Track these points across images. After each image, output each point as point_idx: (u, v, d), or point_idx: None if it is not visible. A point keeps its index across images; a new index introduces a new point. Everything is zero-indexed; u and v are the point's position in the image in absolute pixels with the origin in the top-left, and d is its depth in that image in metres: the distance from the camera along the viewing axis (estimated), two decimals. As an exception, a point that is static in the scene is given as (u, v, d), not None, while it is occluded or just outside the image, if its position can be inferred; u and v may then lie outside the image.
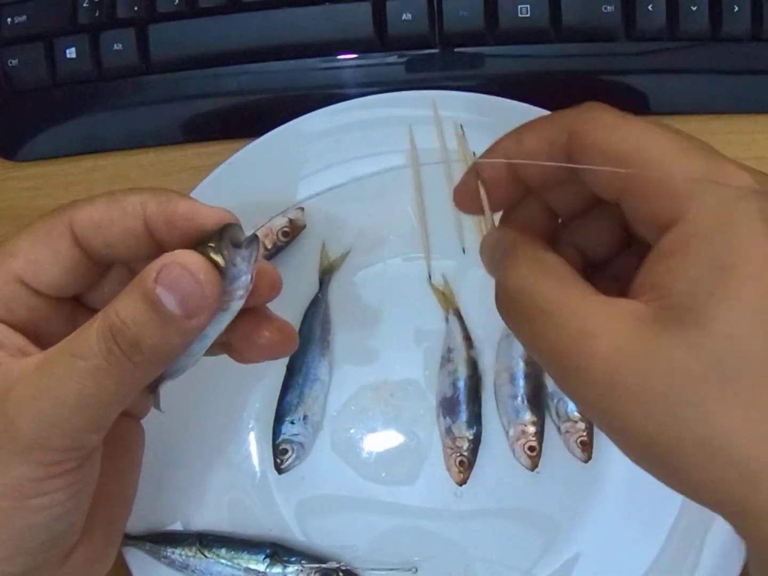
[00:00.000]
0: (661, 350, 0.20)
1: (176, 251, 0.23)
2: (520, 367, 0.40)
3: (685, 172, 0.21)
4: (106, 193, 0.25)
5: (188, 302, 0.22)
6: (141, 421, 0.30)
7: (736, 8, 0.40)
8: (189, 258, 0.22)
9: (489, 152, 0.25)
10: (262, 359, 0.27)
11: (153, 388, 0.26)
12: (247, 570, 0.38)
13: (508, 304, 0.24)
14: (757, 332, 0.19)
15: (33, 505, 0.23)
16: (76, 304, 0.27)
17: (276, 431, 0.40)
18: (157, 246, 0.25)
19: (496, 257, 0.25)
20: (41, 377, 0.22)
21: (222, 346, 0.27)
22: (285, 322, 0.26)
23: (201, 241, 0.24)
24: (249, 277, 0.24)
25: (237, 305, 0.24)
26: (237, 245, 0.23)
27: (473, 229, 0.40)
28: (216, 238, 0.23)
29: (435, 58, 0.42)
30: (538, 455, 0.39)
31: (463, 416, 0.39)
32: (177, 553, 0.38)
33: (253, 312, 0.26)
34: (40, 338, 0.25)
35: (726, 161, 0.21)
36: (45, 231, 0.25)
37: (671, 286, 0.20)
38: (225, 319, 0.24)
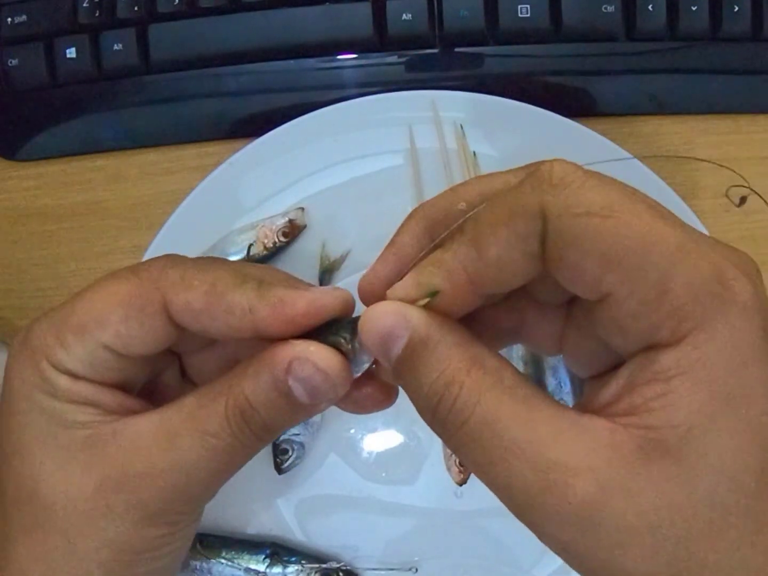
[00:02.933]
0: (648, 487, 0.18)
1: (309, 345, 0.22)
2: (520, 367, 0.40)
3: (691, 280, 0.18)
4: (202, 272, 0.24)
5: (319, 396, 0.22)
6: None
7: (736, 8, 0.40)
8: (320, 355, 0.22)
9: (435, 265, 0.21)
10: (364, 412, 0.26)
11: None
12: (248, 570, 0.38)
13: (462, 438, 0.20)
14: (754, 470, 0.18)
15: (155, 556, 0.24)
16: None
17: (276, 431, 0.40)
18: (260, 335, 0.24)
19: (415, 354, 0.21)
20: (168, 450, 0.23)
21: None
22: (384, 384, 0.25)
23: (326, 326, 0.23)
24: (369, 364, 0.23)
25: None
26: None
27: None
28: (347, 329, 0.23)
29: (435, 58, 0.42)
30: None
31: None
32: (177, 553, 0.38)
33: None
34: (132, 389, 0.26)
35: (725, 262, 0.19)
36: (137, 307, 0.23)
37: (662, 416, 0.18)
38: None
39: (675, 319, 0.18)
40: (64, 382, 0.23)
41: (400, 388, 0.23)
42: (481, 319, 0.24)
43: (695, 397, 0.18)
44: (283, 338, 0.23)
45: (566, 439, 0.19)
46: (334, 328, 0.23)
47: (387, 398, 0.25)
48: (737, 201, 0.28)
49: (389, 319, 0.21)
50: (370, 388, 0.25)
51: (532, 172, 0.20)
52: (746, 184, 0.24)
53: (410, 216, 0.23)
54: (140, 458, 0.23)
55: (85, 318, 0.23)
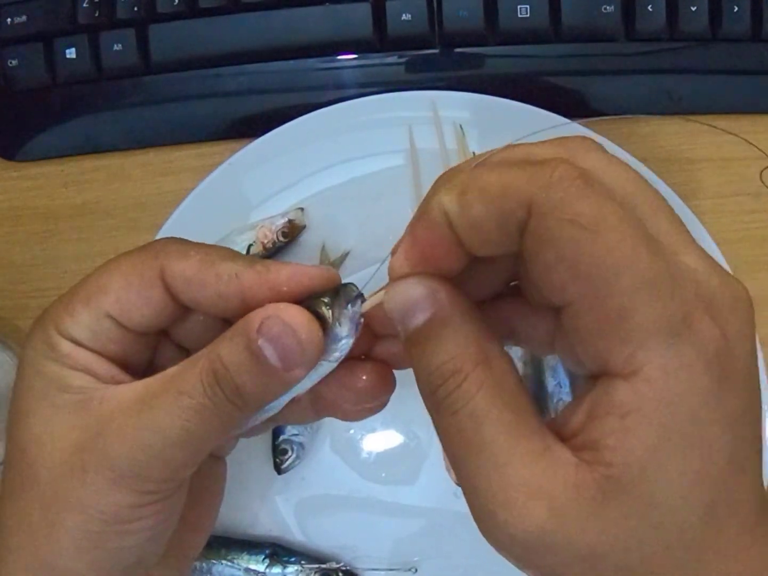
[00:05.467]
0: (600, 522, 0.19)
1: (281, 304, 0.23)
2: (520, 367, 0.40)
3: (653, 314, 0.18)
4: (199, 247, 0.25)
5: (288, 357, 0.22)
6: None
7: (736, 8, 0.40)
8: (291, 314, 0.22)
9: (425, 206, 0.21)
10: (363, 406, 0.26)
11: None
12: (247, 570, 0.38)
13: (449, 424, 0.21)
14: (699, 509, 0.19)
15: (126, 530, 0.24)
16: (160, 335, 0.27)
17: (276, 431, 0.40)
18: (249, 309, 0.24)
19: (428, 340, 0.21)
20: (144, 409, 0.23)
21: (322, 406, 0.27)
22: (380, 364, 0.26)
23: (313, 296, 0.23)
24: (350, 341, 0.23)
25: (327, 367, 0.24)
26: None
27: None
28: (332, 294, 0.23)
29: (435, 58, 0.42)
30: (538, 455, 0.39)
31: (463, 416, 0.39)
32: (177, 553, 0.38)
33: (348, 360, 0.25)
34: (128, 368, 0.26)
35: (696, 305, 0.19)
36: (137, 274, 0.25)
37: (618, 454, 0.19)
38: (310, 380, 0.24)
39: (629, 348, 0.19)
40: (66, 347, 0.24)
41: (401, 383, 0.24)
42: (501, 319, 0.24)
43: (648, 437, 0.19)
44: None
45: (536, 462, 0.20)
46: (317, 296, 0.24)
47: (385, 382, 0.25)
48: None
49: (419, 290, 0.21)
50: (364, 374, 0.25)
51: (541, 162, 0.20)
52: None
53: (436, 182, 0.23)
54: (118, 418, 0.23)
55: (92, 288, 0.25)
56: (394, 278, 0.22)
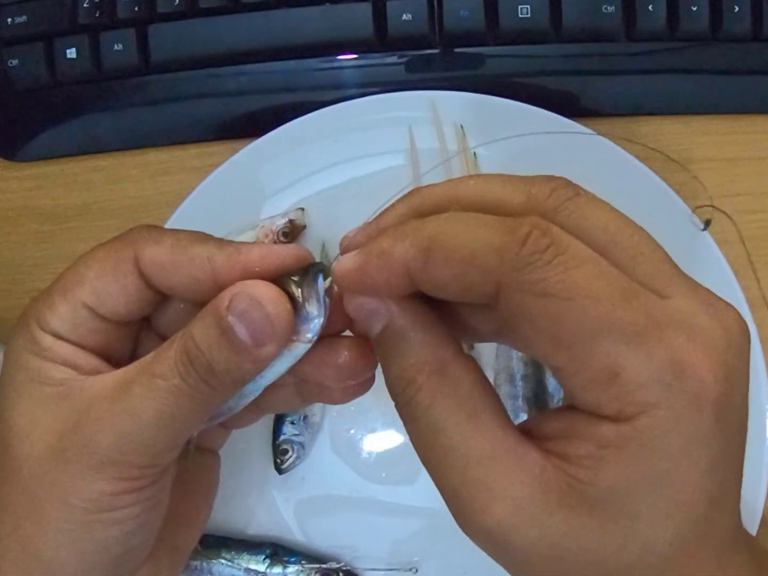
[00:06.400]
0: (561, 526, 0.19)
1: (249, 281, 0.23)
2: (520, 367, 0.40)
3: (641, 369, 0.18)
4: (172, 232, 0.25)
5: (258, 332, 0.22)
6: None
7: (736, 8, 0.40)
8: (259, 289, 0.23)
9: (380, 258, 0.21)
10: (345, 383, 0.26)
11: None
12: (248, 570, 0.38)
13: (412, 432, 0.22)
14: (664, 544, 0.19)
15: (109, 519, 0.24)
16: (140, 325, 0.28)
17: (276, 431, 0.40)
18: (220, 285, 0.25)
19: (388, 343, 0.22)
20: (121, 395, 0.23)
21: (307, 391, 0.27)
22: (360, 339, 0.26)
23: (285, 274, 0.24)
24: (321, 320, 0.23)
25: (302, 349, 0.24)
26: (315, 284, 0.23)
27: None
28: (300, 273, 0.23)
29: (435, 59, 0.42)
30: (538, 455, 0.39)
31: (463, 416, 0.39)
32: (177, 553, 0.38)
33: (327, 338, 0.26)
34: (111, 359, 0.26)
35: (686, 349, 0.19)
36: (111, 262, 0.25)
37: (589, 475, 0.19)
38: (286, 362, 0.24)
39: (620, 403, 0.19)
40: (46, 340, 0.25)
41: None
42: (460, 318, 0.24)
43: (623, 471, 0.19)
44: None
45: (498, 463, 0.20)
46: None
47: (366, 355, 0.25)
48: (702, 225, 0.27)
49: (373, 302, 0.22)
50: (345, 350, 0.25)
51: (510, 225, 0.20)
52: (710, 202, 0.24)
53: (405, 196, 0.24)
54: (97, 406, 0.23)
55: (70, 280, 0.25)
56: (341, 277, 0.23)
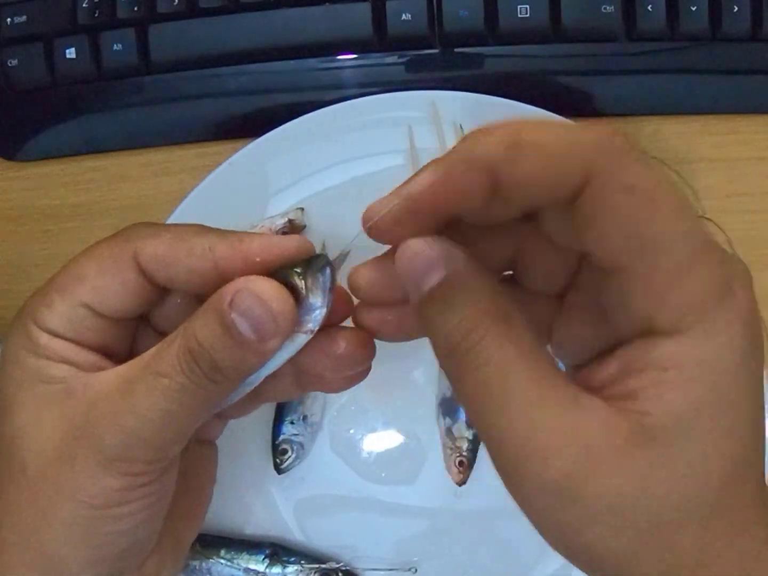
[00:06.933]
0: (631, 471, 0.19)
1: (251, 277, 0.23)
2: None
3: (704, 279, 0.19)
4: (171, 227, 0.26)
5: (262, 329, 0.22)
6: None
7: (736, 8, 0.40)
8: (261, 286, 0.22)
9: (464, 162, 0.20)
10: (343, 373, 0.26)
11: None
12: (247, 570, 0.38)
13: (471, 382, 0.21)
14: (727, 465, 0.19)
15: (117, 514, 0.24)
16: (139, 321, 0.28)
17: (276, 431, 0.40)
18: (223, 282, 0.25)
19: (442, 299, 0.21)
20: (125, 394, 0.23)
21: (305, 380, 0.27)
22: (359, 331, 0.25)
23: (286, 266, 0.24)
24: (323, 311, 0.23)
25: (302, 339, 0.24)
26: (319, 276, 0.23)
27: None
28: (303, 264, 0.23)
29: (435, 58, 0.42)
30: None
31: (463, 416, 0.39)
32: (177, 553, 0.38)
33: (325, 328, 0.25)
34: (110, 356, 0.26)
35: (732, 272, 0.20)
36: (110, 259, 0.25)
37: (656, 404, 0.19)
38: (286, 353, 0.24)
39: (680, 310, 0.19)
40: (43, 338, 0.25)
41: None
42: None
43: (688, 392, 0.19)
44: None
45: (567, 408, 0.20)
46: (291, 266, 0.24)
47: (365, 346, 0.25)
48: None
49: (435, 251, 0.21)
50: (343, 341, 0.25)
51: (595, 131, 0.20)
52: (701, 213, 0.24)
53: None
54: (101, 404, 0.24)
55: (67, 278, 0.25)
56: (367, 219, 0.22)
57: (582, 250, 0.21)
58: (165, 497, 0.26)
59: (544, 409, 0.20)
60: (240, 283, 0.23)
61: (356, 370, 0.26)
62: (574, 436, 0.19)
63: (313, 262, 0.23)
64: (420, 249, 0.21)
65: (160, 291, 0.26)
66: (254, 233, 0.25)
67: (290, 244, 0.25)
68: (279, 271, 0.23)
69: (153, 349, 0.24)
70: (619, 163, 0.19)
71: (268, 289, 0.22)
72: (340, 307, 0.25)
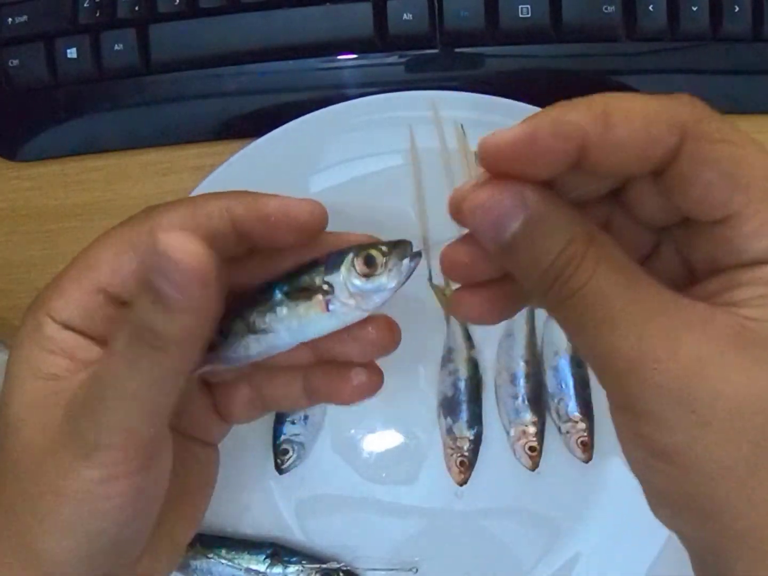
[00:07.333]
0: (742, 370, 0.19)
1: (159, 235, 0.21)
2: (521, 367, 0.40)
3: None
4: (186, 199, 0.26)
5: (177, 282, 0.21)
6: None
7: (737, 8, 0.40)
8: (170, 242, 0.21)
9: (553, 125, 0.20)
10: (368, 357, 0.27)
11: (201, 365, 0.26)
12: (248, 570, 0.38)
13: (574, 305, 0.21)
14: None
15: (101, 509, 0.24)
16: None
17: (276, 431, 0.40)
18: (245, 245, 0.25)
19: (530, 231, 0.21)
20: (93, 383, 0.23)
21: (314, 393, 0.27)
22: (387, 317, 0.26)
23: (376, 242, 0.24)
24: (387, 296, 0.23)
25: (355, 316, 0.24)
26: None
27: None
28: (392, 245, 0.23)
29: (435, 58, 0.42)
30: (539, 455, 0.39)
31: (464, 416, 0.39)
32: (177, 553, 0.38)
33: None
34: None
35: None
36: (126, 240, 0.25)
37: (762, 312, 0.20)
38: (336, 321, 0.24)
39: None
40: (49, 329, 0.24)
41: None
42: None
43: None
44: (261, 240, 0.25)
45: (672, 316, 0.20)
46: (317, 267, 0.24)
47: (392, 331, 0.26)
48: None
49: (506, 200, 0.21)
50: (371, 327, 0.26)
51: (678, 98, 0.21)
52: None
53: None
54: (80, 397, 0.23)
55: (83, 265, 0.25)
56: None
57: (666, 221, 0.22)
58: (152, 495, 0.25)
59: (649, 315, 0.20)
60: (157, 240, 0.21)
61: (381, 355, 0.26)
62: (684, 338, 0.20)
63: (400, 245, 0.23)
64: (492, 203, 0.21)
65: None
66: (271, 194, 0.26)
67: (305, 207, 0.25)
68: (365, 245, 0.23)
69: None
70: (709, 120, 0.20)
71: (174, 243, 0.21)
72: (386, 335, 0.26)
